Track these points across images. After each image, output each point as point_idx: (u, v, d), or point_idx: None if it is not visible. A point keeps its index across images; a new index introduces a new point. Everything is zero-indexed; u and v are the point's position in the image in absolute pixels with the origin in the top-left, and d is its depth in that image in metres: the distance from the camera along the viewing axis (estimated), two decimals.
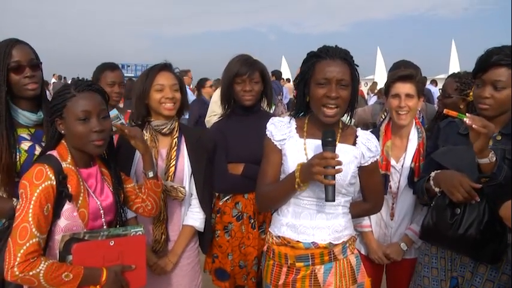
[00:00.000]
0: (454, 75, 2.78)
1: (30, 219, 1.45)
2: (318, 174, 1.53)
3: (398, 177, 2.25)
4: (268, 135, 1.80)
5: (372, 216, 2.28)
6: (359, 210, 1.88)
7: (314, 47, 1.73)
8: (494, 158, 1.66)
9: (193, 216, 2.18)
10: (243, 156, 2.31)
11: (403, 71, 2.30)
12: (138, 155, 2.06)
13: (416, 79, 2.24)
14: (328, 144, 1.58)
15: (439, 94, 3.80)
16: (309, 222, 1.72)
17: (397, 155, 2.28)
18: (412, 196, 2.25)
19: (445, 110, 1.80)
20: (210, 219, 2.28)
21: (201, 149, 2.20)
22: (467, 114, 1.68)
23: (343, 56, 1.66)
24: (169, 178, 2.09)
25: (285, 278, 1.75)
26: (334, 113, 1.66)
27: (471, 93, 2.56)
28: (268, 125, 1.82)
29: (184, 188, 2.10)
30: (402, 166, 2.26)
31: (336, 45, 1.70)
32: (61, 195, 1.51)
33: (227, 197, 2.35)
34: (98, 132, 1.57)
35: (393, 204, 2.27)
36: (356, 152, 1.74)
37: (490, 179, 1.68)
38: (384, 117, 2.67)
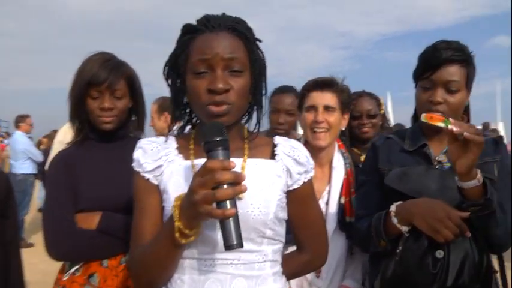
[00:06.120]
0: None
1: None
2: (203, 203, 0.86)
3: None
4: (136, 168, 1.10)
5: None
6: (295, 265, 1.21)
7: None
8: (483, 179, 1.23)
9: None
10: (100, 202, 1.56)
11: (321, 78, 1.76)
12: None
13: (338, 87, 1.73)
14: (215, 147, 0.91)
15: None
16: None
17: (319, 189, 1.70)
18: (344, 242, 1.69)
19: (423, 115, 1.25)
20: None
21: None
22: (450, 119, 1.19)
23: (231, 26, 1.04)
24: None
25: None
26: (225, 110, 1.02)
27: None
28: (135, 152, 1.12)
29: None
30: (327, 204, 1.71)
31: (223, 13, 1.08)
32: None
33: (75, 267, 1.56)
34: None
35: None
36: (278, 169, 1.10)
37: (482, 207, 1.23)
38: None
